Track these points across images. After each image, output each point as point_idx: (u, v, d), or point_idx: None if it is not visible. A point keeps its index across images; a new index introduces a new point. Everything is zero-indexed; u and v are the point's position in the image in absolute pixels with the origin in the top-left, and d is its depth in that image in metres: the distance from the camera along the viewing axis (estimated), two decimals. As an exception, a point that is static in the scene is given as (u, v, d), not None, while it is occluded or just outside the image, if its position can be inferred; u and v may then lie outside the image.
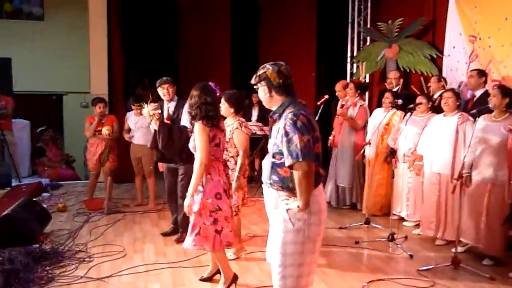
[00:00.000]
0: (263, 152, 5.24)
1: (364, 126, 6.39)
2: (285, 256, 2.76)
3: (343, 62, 9.17)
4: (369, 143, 5.92)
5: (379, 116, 6.11)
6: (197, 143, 3.66)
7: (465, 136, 4.85)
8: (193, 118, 3.75)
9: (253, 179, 7.77)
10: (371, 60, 8.22)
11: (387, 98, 6.10)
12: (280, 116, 2.79)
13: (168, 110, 5.24)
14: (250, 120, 7.70)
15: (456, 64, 6.68)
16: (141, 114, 6.42)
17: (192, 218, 3.77)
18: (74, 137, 8.95)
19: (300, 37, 9.21)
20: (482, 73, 5.43)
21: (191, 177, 3.74)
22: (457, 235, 4.58)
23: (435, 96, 5.98)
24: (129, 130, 6.56)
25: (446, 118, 5.08)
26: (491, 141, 4.48)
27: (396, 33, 7.73)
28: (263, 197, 3.02)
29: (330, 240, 5.35)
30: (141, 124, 6.45)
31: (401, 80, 6.83)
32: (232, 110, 4.45)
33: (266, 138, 6.84)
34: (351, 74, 8.97)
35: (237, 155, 4.43)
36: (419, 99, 5.67)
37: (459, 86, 6.43)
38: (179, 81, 7.49)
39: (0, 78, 8.29)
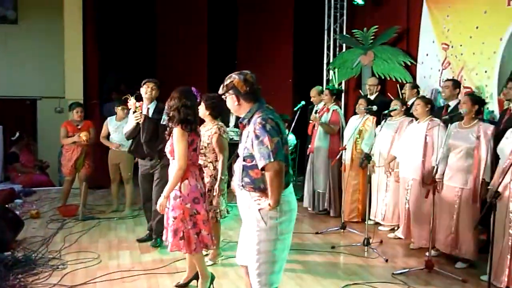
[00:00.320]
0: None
1: (339, 131, 6.46)
2: (260, 254, 2.90)
3: (320, 68, 9.26)
4: (345, 148, 6.00)
5: (355, 123, 6.21)
6: (176, 148, 3.64)
7: (433, 141, 4.98)
8: (170, 120, 3.73)
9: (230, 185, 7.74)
10: (347, 66, 8.33)
11: (361, 104, 6.19)
12: (249, 121, 2.94)
13: (147, 111, 5.12)
14: (228, 126, 7.71)
15: (429, 71, 6.83)
16: (123, 118, 6.36)
17: (171, 223, 3.74)
18: (48, 142, 8.79)
19: (277, 44, 9.27)
20: (457, 84, 5.53)
21: (166, 182, 3.75)
22: (431, 239, 4.66)
23: (409, 103, 6.08)
24: (108, 135, 6.47)
25: (419, 124, 5.21)
26: (461, 147, 4.58)
27: (371, 41, 7.86)
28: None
29: (307, 245, 5.38)
30: (121, 130, 6.36)
31: (379, 87, 6.94)
32: (207, 113, 4.44)
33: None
34: (327, 80, 9.06)
35: (216, 160, 4.43)
36: (394, 104, 5.78)
37: (431, 93, 6.57)
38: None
39: (-27, 82, 8.12)
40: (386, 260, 4.86)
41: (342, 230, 5.81)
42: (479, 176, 4.48)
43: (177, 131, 3.66)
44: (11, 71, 9.12)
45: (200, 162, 4.10)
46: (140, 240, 5.37)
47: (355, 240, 5.49)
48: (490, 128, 4.55)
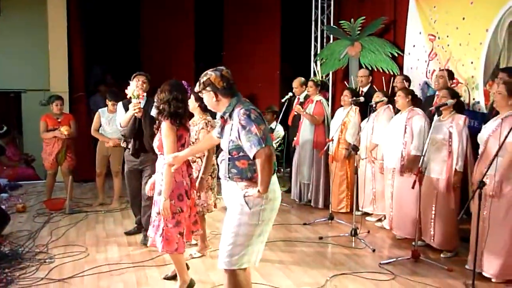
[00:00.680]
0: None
1: (323, 122, 6.49)
2: (237, 236, 2.97)
3: (307, 60, 9.26)
4: (332, 140, 6.04)
5: (341, 114, 6.26)
6: (165, 143, 3.58)
7: (412, 130, 5.04)
8: (160, 113, 3.65)
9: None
10: (334, 58, 8.34)
11: (346, 95, 6.22)
12: (230, 116, 2.98)
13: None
14: (215, 118, 7.68)
15: (416, 63, 6.86)
16: (115, 111, 6.29)
17: (154, 218, 3.71)
18: (33, 135, 8.64)
19: (265, 35, 9.24)
20: (451, 76, 5.56)
21: None
22: (417, 229, 4.71)
23: None
24: (98, 128, 6.40)
25: (400, 115, 5.28)
26: (437, 139, 4.67)
27: (359, 32, 7.87)
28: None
29: (295, 236, 5.41)
30: (115, 122, 6.30)
31: (370, 78, 6.92)
32: (197, 105, 4.40)
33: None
34: (315, 72, 9.07)
35: (204, 155, 4.40)
36: (376, 96, 5.85)
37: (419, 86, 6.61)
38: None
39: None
40: (373, 250, 4.91)
41: (330, 221, 5.84)
42: (453, 166, 4.61)
43: (165, 125, 3.60)
44: (-6, 64, 8.98)
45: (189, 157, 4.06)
46: (128, 233, 5.36)
47: (342, 230, 5.53)
48: (462, 118, 4.65)
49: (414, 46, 6.93)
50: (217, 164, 3.44)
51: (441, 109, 4.59)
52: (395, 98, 5.32)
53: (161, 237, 3.65)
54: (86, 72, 8.69)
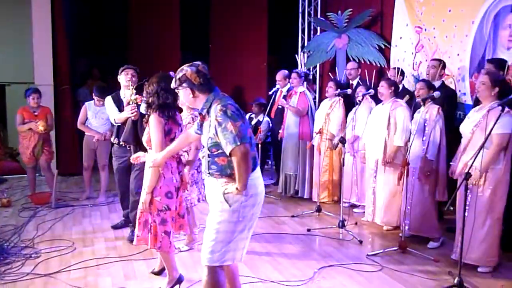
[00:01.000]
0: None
1: (307, 113, 6.50)
2: (218, 233, 2.93)
3: (294, 52, 9.24)
4: (320, 132, 6.06)
5: (325, 106, 6.32)
6: (153, 137, 3.52)
7: (396, 121, 5.09)
8: (149, 106, 3.60)
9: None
10: (321, 50, 8.33)
11: (331, 87, 6.25)
12: (208, 112, 2.94)
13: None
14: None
15: (403, 54, 6.88)
16: (103, 105, 6.24)
17: (140, 214, 3.65)
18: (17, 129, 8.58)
19: (251, 27, 9.18)
20: (442, 65, 5.58)
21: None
22: (404, 219, 4.75)
23: None
24: (85, 121, 6.33)
25: (383, 106, 5.30)
26: (415, 129, 4.71)
27: (346, 24, 7.86)
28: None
29: (283, 228, 5.42)
30: (101, 115, 6.26)
31: (359, 71, 6.92)
32: None
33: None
34: (300, 64, 9.06)
35: (190, 149, 4.37)
36: (359, 90, 5.89)
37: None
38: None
39: None
40: (361, 242, 4.94)
41: (317, 213, 5.86)
42: (427, 155, 4.70)
43: (153, 118, 3.53)
44: (-23, 56, 8.83)
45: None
46: (114, 227, 5.32)
47: (330, 222, 5.55)
48: (435, 108, 4.72)
49: (401, 38, 6.94)
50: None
51: (418, 100, 4.70)
52: (378, 89, 5.33)
53: (149, 233, 3.61)
54: (72, 64, 8.57)
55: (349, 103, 6.19)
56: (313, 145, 6.33)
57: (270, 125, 7.59)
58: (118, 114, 4.83)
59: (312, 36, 8.97)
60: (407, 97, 5.59)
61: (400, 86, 6.00)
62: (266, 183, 7.42)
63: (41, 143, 6.36)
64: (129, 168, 4.92)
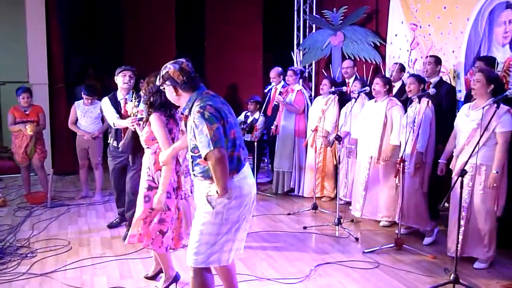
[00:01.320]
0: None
1: (303, 111, 6.50)
2: (202, 235, 2.89)
3: (290, 50, 9.23)
4: (316, 130, 6.06)
5: (319, 103, 6.32)
6: (158, 135, 3.48)
7: (392, 121, 5.10)
8: (151, 106, 3.54)
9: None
10: (317, 47, 8.32)
11: (325, 84, 6.26)
12: (190, 111, 2.87)
13: (124, 101, 4.83)
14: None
15: (398, 52, 6.87)
16: (91, 103, 6.24)
17: (148, 214, 3.59)
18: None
19: (247, 25, 9.17)
20: (439, 61, 5.58)
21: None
22: (400, 217, 4.75)
23: (395, 85, 6.07)
24: (76, 120, 6.31)
25: (377, 103, 5.28)
26: (408, 124, 4.76)
27: (341, 21, 7.85)
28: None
29: (279, 226, 5.42)
30: (90, 114, 6.25)
31: (355, 69, 6.91)
32: None
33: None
34: (298, 62, 9.05)
35: None
36: (354, 85, 5.87)
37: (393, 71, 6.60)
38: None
39: None
40: (357, 239, 4.95)
41: (313, 211, 5.87)
42: (414, 148, 4.74)
43: (155, 117, 3.49)
44: (-29, 55, 8.78)
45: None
46: (110, 226, 5.31)
47: (326, 220, 5.56)
48: (425, 101, 4.75)
49: (396, 35, 6.94)
50: None
51: (413, 97, 4.71)
52: (372, 86, 5.32)
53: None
54: (67, 63, 8.54)
55: (343, 100, 6.19)
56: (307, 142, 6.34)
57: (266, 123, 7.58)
58: (118, 120, 4.76)
59: (307, 33, 8.96)
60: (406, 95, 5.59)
61: (400, 82, 6.01)
62: (262, 181, 7.46)
63: (34, 142, 6.31)
64: (125, 168, 4.90)
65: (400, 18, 6.80)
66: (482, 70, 4.24)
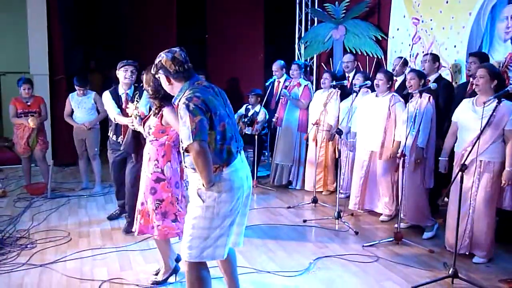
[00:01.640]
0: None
1: (308, 106, 6.50)
2: (194, 229, 2.85)
3: (292, 43, 9.20)
4: (318, 124, 6.05)
5: (320, 97, 6.32)
6: (178, 128, 3.30)
7: (395, 116, 5.09)
8: (163, 99, 3.47)
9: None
10: (319, 41, 8.30)
11: (326, 79, 6.25)
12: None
13: (126, 96, 4.83)
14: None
15: (400, 46, 6.85)
16: (84, 94, 6.25)
17: (158, 206, 3.57)
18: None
19: (248, 18, 9.13)
20: (436, 59, 5.57)
21: (141, 165, 3.66)
22: (400, 211, 4.76)
23: (398, 78, 6.06)
24: (72, 112, 6.32)
25: (379, 98, 5.26)
26: (407, 118, 4.75)
27: (343, 15, 7.82)
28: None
29: (279, 219, 5.43)
30: (84, 105, 6.25)
31: (356, 63, 6.90)
32: None
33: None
34: (300, 55, 9.03)
35: None
36: (356, 79, 5.86)
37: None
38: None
39: None
40: (356, 233, 4.95)
41: (313, 204, 5.87)
42: (414, 143, 4.74)
43: (168, 112, 3.45)
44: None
45: None
46: (110, 218, 5.32)
47: (326, 213, 5.56)
48: (426, 97, 4.74)
49: (398, 29, 6.92)
50: None
51: (414, 92, 4.71)
52: (375, 81, 5.30)
53: (175, 222, 3.59)
54: (68, 54, 8.52)
55: (344, 94, 6.18)
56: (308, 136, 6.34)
57: (267, 116, 7.57)
58: (118, 116, 4.73)
59: (309, 27, 8.92)
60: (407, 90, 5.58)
61: (402, 77, 6.00)
62: (262, 174, 7.45)
63: (36, 133, 6.32)
64: (125, 160, 4.90)
65: (402, 12, 6.78)
66: (485, 66, 4.21)
